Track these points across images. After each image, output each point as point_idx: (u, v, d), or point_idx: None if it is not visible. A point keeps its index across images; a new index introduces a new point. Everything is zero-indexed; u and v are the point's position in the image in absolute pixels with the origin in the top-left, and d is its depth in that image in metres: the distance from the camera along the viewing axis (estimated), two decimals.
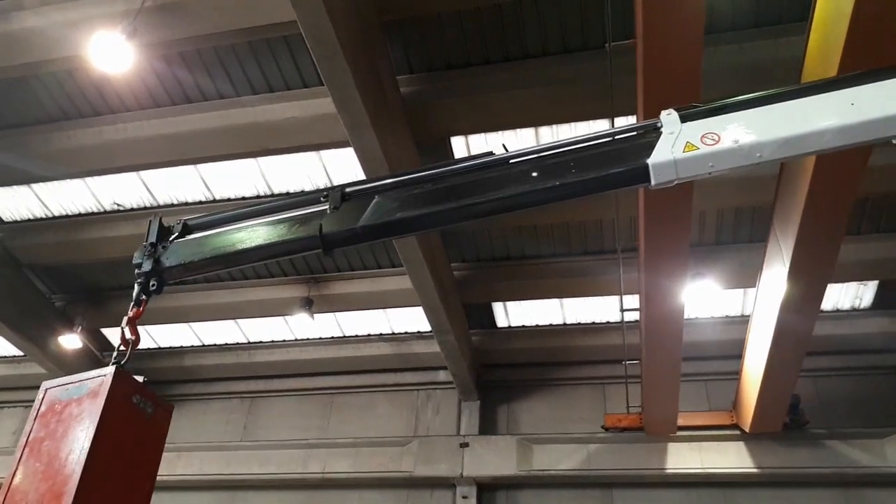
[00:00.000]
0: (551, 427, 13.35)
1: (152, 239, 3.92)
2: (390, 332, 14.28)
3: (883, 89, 3.27)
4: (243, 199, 11.48)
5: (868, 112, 3.20)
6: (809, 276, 8.37)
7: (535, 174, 3.58)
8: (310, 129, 9.86)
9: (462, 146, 10.31)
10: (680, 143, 3.34)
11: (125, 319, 3.62)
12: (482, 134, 10.10)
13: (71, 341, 13.96)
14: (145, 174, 11.42)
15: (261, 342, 14.96)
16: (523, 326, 13.89)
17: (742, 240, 11.36)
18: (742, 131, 3.32)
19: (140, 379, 3.37)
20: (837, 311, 12.51)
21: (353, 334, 14.46)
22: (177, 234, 3.99)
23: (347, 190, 3.88)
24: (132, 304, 3.76)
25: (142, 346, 13.16)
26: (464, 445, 13.08)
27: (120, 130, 10.49)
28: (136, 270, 3.87)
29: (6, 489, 2.96)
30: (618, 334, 11.47)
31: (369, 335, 14.42)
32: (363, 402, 14.59)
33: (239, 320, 14.43)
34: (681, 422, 12.00)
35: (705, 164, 3.28)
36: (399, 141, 9.12)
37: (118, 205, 12.00)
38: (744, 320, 11.29)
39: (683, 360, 10.55)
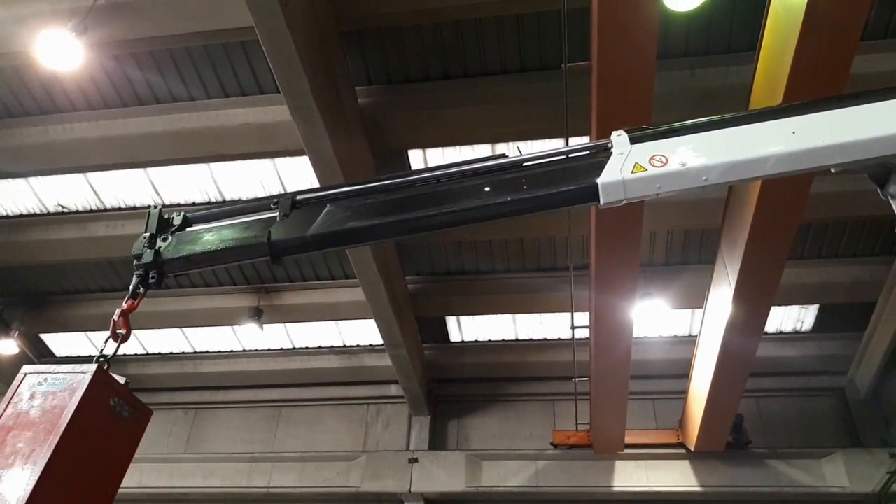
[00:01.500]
0: (501, 443, 13.36)
1: (152, 230, 3.77)
2: (341, 344, 14.11)
3: (823, 120, 3.36)
4: (193, 204, 11.24)
5: (808, 141, 3.28)
6: (754, 299, 8.59)
7: (487, 189, 3.58)
8: (265, 136, 9.73)
9: (419, 159, 10.30)
10: (629, 164, 3.37)
11: (118, 312, 3.43)
12: (440, 148, 10.12)
13: (7, 347, 13.40)
14: (92, 176, 11.09)
15: (207, 352, 14.61)
16: (476, 341, 13.89)
17: (691, 261, 11.60)
18: (689, 155, 3.36)
19: (122, 380, 3.23)
20: (780, 333, 12.85)
21: (303, 346, 14.25)
22: (176, 226, 3.87)
23: (298, 198, 3.82)
24: (128, 296, 3.59)
25: (82, 352, 12.63)
26: (413, 461, 12.97)
27: (67, 130, 10.18)
28: (136, 262, 3.70)
29: None
30: (569, 351, 11.55)
31: (320, 347, 14.22)
32: (311, 415, 14.36)
33: (185, 329, 14.09)
34: (628, 440, 12.14)
35: (653, 185, 3.31)
36: (355, 152, 9.07)
37: (62, 206, 11.62)
38: (691, 340, 11.50)
39: (632, 378, 10.68)
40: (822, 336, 12.81)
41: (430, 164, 10.09)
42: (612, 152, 3.48)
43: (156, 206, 3.88)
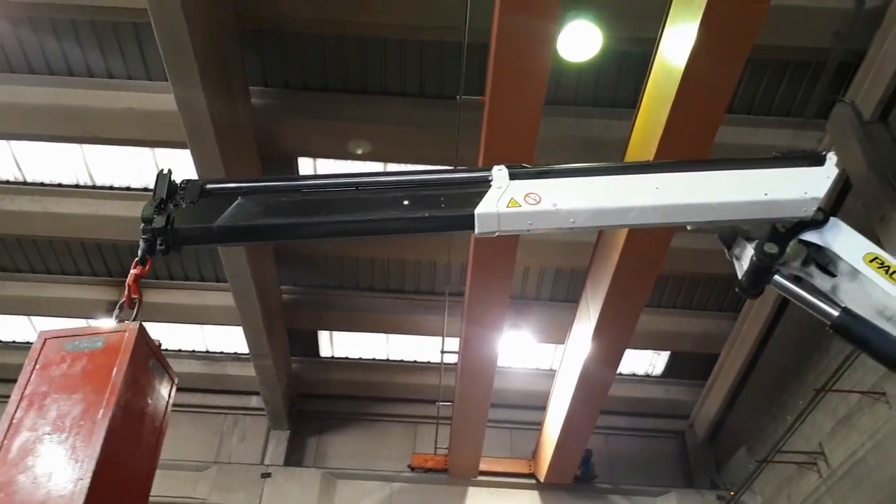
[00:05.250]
0: (359, 463, 13.23)
1: (162, 195, 3.45)
2: (204, 349, 13.54)
3: (685, 180, 3.60)
4: (59, 185, 10.53)
5: (668, 197, 3.51)
6: (611, 339, 9.11)
7: (406, 202, 3.58)
8: (146, 124, 9.31)
9: (310, 168, 10.20)
10: (505, 198, 3.49)
11: (131, 276, 3.15)
12: (332, 160, 10.07)
13: None
14: None
15: None
16: (346, 358, 13.77)
17: (559, 298, 12.12)
18: (561, 197, 3.52)
19: (156, 341, 3.04)
20: (633, 375, 13.63)
21: (162, 348, 13.50)
22: (185, 193, 3.59)
23: (208, 186, 3.67)
24: (136, 261, 3.26)
25: None
26: (265, 475, 12.58)
27: None
28: (144, 226, 3.37)
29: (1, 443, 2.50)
30: (436, 375, 11.70)
31: (180, 350, 13.56)
32: None
33: (33, 317, 13.02)
34: (483, 467, 12.41)
35: (525, 221, 3.45)
36: (242, 152, 8.85)
37: None
38: (552, 374, 11.96)
39: (493, 406, 10.95)
40: (671, 381, 13.73)
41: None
42: (491, 185, 3.61)
43: (165, 171, 3.62)
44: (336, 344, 13.52)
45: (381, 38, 8.85)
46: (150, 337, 2.95)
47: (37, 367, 2.76)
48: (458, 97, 7.42)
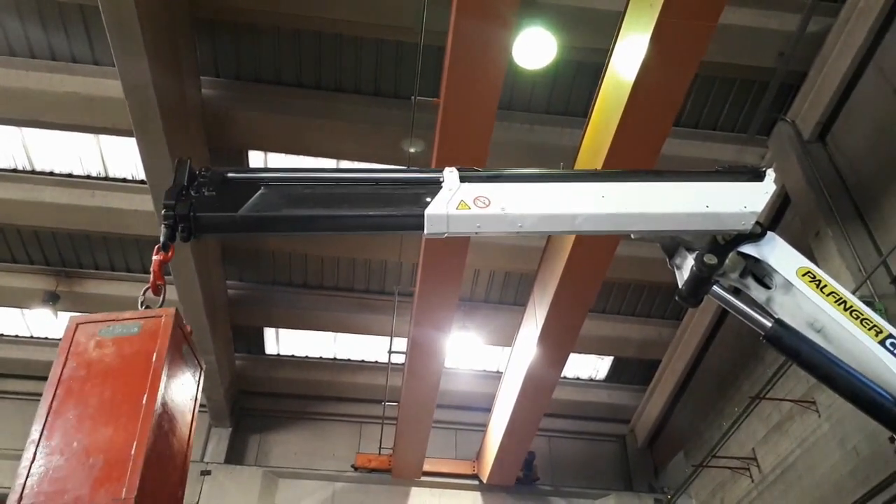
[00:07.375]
0: (302, 462, 13.08)
1: (182, 181, 3.33)
2: None
3: (630, 189, 3.69)
4: None
5: (613, 206, 3.59)
6: (555, 343, 9.23)
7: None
8: (91, 110, 9.03)
9: (260, 161, 10.06)
10: (455, 200, 3.51)
11: (155, 263, 3.07)
12: (283, 154, 9.95)
13: None
14: None
15: None
16: (292, 356, 13.59)
17: (507, 301, 12.22)
18: (510, 201, 3.57)
19: (188, 328, 2.97)
20: (577, 379, 13.84)
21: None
22: (208, 180, 3.48)
23: (229, 175, 3.62)
24: (158, 247, 3.15)
25: None
26: (205, 473, 12.31)
27: None
28: (166, 211, 3.23)
29: (42, 427, 2.48)
30: (383, 375, 11.66)
31: None
32: None
33: None
34: (426, 467, 12.41)
35: (473, 224, 3.48)
36: (190, 142, 8.66)
37: None
38: (498, 376, 12.06)
39: (439, 407, 10.97)
40: (613, 386, 13.98)
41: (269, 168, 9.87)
42: (442, 186, 3.63)
43: (185, 159, 3.53)
44: (282, 341, 13.35)
45: (338, 34, 8.79)
46: (183, 322, 2.90)
47: (71, 352, 2.68)
48: (412, 97, 7.43)
